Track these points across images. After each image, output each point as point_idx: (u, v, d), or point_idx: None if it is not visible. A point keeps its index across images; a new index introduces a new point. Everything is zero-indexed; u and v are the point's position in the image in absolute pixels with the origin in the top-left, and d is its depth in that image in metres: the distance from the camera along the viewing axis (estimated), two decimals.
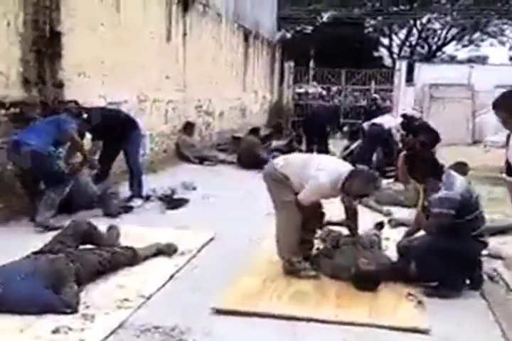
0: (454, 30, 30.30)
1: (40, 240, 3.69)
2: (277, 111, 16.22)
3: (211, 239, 4.51)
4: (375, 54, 33.00)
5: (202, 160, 9.09)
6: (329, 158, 4.09)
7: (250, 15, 13.36)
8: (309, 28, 32.54)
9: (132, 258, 3.68)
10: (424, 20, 29.60)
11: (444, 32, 30.76)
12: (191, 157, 9.03)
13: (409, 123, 7.65)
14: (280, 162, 3.74)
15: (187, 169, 8.43)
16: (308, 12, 29.31)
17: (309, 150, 8.76)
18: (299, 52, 26.62)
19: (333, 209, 4.18)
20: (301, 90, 18.45)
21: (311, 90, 18.76)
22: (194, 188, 6.67)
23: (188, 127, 9.17)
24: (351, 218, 3.83)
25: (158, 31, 8.10)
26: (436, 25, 30.17)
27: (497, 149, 9.22)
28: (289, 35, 33.07)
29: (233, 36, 11.90)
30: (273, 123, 15.09)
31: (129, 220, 5.11)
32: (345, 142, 9.68)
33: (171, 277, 3.59)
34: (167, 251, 3.94)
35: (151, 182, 6.46)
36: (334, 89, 18.35)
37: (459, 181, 3.44)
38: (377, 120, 7.90)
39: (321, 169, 3.49)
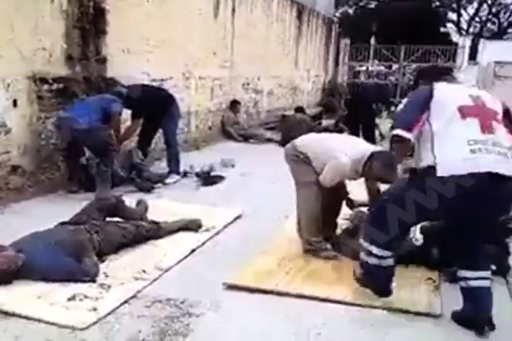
0: None
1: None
2: (331, 89, 15.94)
3: (238, 217, 4.55)
4: (442, 30, 31.59)
5: (246, 138, 9.12)
6: (351, 138, 3.99)
7: None
8: (373, 3, 31.58)
9: (156, 232, 3.78)
10: None
11: None
12: (236, 135, 9.08)
13: None
14: (301, 141, 3.70)
15: (231, 147, 8.49)
16: None
17: (354, 133, 8.56)
18: (361, 28, 25.95)
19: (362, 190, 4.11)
20: (362, 68, 17.99)
21: (371, 68, 18.27)
22: (233, 165, 6.72)
23: (234, 105, 9.20)
24: (374, 199, 3.75)
25: (205, 7, 8.10)
26: (508, 0, 28.44)
27: None
28: (350, 11, 32.37)
29: (285, 12, 11.72)
30: (324, 102, 14.93)
31: (163, 195, 5.25)
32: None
33: (192, 252, 3.66)
34: (192, 226, 4.01)
35: (193, 159, 6.58)
36: (396, 66, 17.78)
37: None
38: None
39: (342, 149, 3.42)
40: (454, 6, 30.71)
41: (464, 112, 2.61)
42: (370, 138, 8.43)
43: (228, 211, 4.64)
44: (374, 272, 2.91)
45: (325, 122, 11.92)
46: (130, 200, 4.23)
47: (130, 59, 6.32)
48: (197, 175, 6.04)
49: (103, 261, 3.35)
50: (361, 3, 31.88)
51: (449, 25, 32.19)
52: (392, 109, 9.14)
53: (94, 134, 4.82)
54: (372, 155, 3.36)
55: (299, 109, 9.61)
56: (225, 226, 4.25)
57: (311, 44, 14.00)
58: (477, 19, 31.35)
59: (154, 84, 6.72)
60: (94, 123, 4.82)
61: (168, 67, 7.18)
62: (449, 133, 2.59)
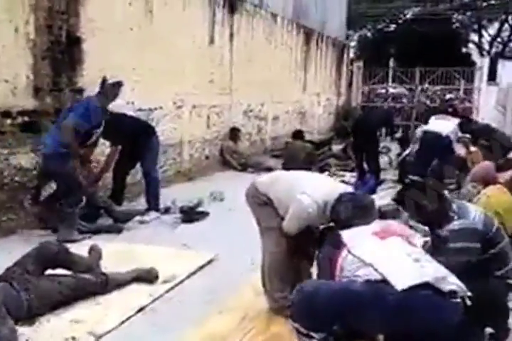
0: None
1: None
2: (344, 113, 15.48)
3: (210, 261, 4.08)
4: (464, 51, 30.92)
5: (246, 167, 8.68)
6: (321, 177, 3.50)
7: (313, 13, 12.79)
8: (392, 26, 31.23)
9: (103, 285, 3.32)
10: None
11: None
12: (235, 163, 8.66)
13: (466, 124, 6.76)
14: (262, 181, 3.23)
15: (227, 177, 8.06)
16: (389, 9, 28.06)
17: (358, 162, 8.04)
18: (379, 51, 25.58)
19: None
20: (382, 90, 17.48)
21: (392, 90, 17.76)
22: (222, 199, 6.27)
23: (234, 133, 8.80)
24: None
25: (199, 34, 7.80)
26: None
27: None
28: (369, 34, 32.09)
29: (291, 37, 11.39)
30: (336, 126, 14.47)
31: (136, 235, 4.82)
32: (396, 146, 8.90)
33: (140, 310, 3.19)
34: (147, 277, 3.55)
35: (183, 191, 6.17)
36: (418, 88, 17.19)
37: (473, 209, 2.76)
38: (431, 126, 7.02)
39: (307, 191, 2.93)
40: (476, 26, 30.11)
41: None
42: (374, 167, 7.91)
43: (199, 255, 4.18)
44: None
45: (335, 147, 11.47)
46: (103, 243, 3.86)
47: None
48: (181, 210, 5.61)
49: (32, 324, 2.91)
50: (380, 26, 31.56)
51: (471, 46, 31.55)
52: (398, 135, 8.58)
53: (54, 162, 4.42)
54: (340, 197, 2.85)
55: (297, 134, 9.07)
56: (189, 276, 3.77)
57: (321, 68, 13.63)
58: (499, 40, 30.63)
59: (141, 113, 6.39)
60: (53, 145, 4.42)
61: (156, 96, 6.84)
62: None
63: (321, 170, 8.62)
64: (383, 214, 5.86)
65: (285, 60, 11.14)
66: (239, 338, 2.85)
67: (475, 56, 30.49)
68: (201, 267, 3.97)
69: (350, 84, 16.46)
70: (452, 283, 2.19)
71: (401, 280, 2.14)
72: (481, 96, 15.10)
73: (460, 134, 6.93)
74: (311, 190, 2.95)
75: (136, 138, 5.39)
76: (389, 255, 2.29)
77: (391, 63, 20.30)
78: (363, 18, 26.26)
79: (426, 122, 7.72)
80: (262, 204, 3.13)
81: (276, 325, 3.00)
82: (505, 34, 29.98)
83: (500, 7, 25.90)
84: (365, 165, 7.94)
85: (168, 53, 6.97)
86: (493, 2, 26.38)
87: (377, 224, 2.61)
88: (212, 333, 2.88)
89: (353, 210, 2.75)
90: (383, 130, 11.47)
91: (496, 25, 29.61)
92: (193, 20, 7.59)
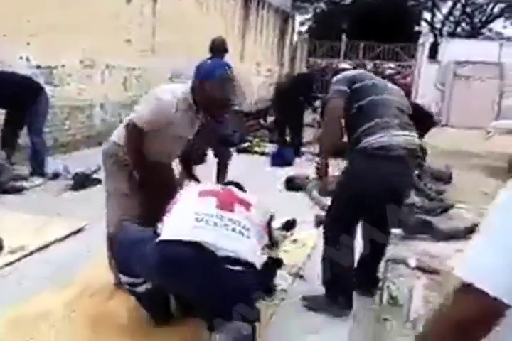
0: (500, 5, 28.03)
1: None
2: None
3: (77, 231, 3.75)
4: (416, 29, 30.99)
5: None
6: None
7: None
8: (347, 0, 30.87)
9: None
10: None
11: (490, 7, 28.53)
12: None
13: None
14: None
15: None
16: None
17: (280, 136, 7.79)
18: (334, 24, 25.25)
19: None
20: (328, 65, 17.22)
21: (341, 65, 17.53)
22: None
23: None
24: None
25: None
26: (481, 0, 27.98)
27: (500, 136, 8.05)
28: (323, 7, 31.62)
29: (227, 1, 10.90)
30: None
31: (7, 201, 4.42)
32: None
33: None
34: None
35: (90, 157, 5.76)
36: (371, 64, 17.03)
37: None
38: None
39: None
40: (429, 5, 30.13)
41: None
42: (296, 140, 7.68)
43: (66, 224, 3.83)
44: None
45: (270, 119, 11.19)
46: None
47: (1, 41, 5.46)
48: (73, 177, 5.22)
49: None
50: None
51: (424, 24, 31.66)
52: (316, 103, 8.21)
53: None
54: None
55: None
56: (43, 247, 3.43)
57: (262, 37, 13.22)
58: (452, 19, 30.82)
59: (38, 72, 5.89)
60: None
61: (59, 53, 6.32)
62: None
63: (244, 141, 8.36)
64: (290, 181, 5.71)
65: (219, 26, 10.65)
66: (63, 315, 2.55)
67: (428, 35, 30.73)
68: (64, 237, 3.63)
69: (294, 56, 16.14)
70: (231, 251, 2.15)
71: (167, 233, 2.19)
72: (422, 73, 15.08)
73: None
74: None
75: (20, 98, 4.92)
76: (182, 209, 2.34)
77: (344, 37, 20.07)
78: None
79: None
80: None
81: (116, 300, 2.73)
82: (457, 14, 30.17)
83: None
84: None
85: (74, 8, 6.42)
86: None
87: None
88: (25, 315, 2.55)
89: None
90: None
91: (449, 3, 29.72)
92: None
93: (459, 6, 29.66)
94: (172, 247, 2.14)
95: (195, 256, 2.11)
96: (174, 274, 2.11)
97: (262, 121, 11.48)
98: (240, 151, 7.92)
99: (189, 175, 3.23)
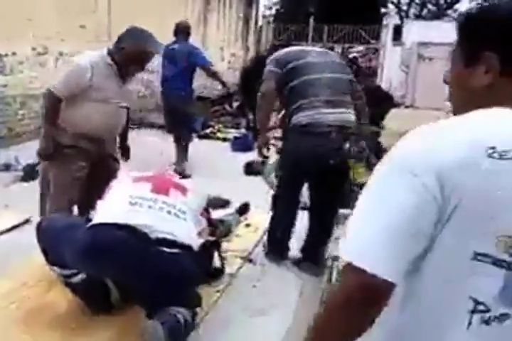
0: None
1: None
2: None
3: (23, 223, 3.66)
4: (383, 11, 31.01)
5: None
6: None
7: None
8: None
9: None
10: None
11: None
12: None
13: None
14: None
15: None
16: None
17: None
18: (301, 7, 25.06)
19: None
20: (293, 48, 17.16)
21: (308, 48, 17.44)
22: None
23: None
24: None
25: None
26: None
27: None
28: None
29: None
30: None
31: None
32: None
33: None
34: None
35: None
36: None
37: None
38: None
39: None
40: None
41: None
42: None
43: (14, 216, 3.74)
44: None
45: (235, 104, 11.07)
46: None
47: None
48: (23, 168, 5.09)
49: None
50: None
51: (390, 6, 31.70)
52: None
53: None
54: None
55: None
56: None
57: (225, 21, 13.04)
58: (417, 0, 30.92)
59: None
60: None
61: (8, 40, 6.12)
62: None
63: (206, 127, 8.29)
64: (248, 166, 5.71)
65: (178, 10, 10.46)
66: (2, 307, 2.49)
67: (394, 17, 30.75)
68: (10, 229, 3.55)
69: (259, 40, 16.00)
70: (167, 232, 2.14)
71: (100, 217, 2.17)
72: (387, 55, 15.13)
73: None
74: None
75: None
76: (115, 194, 2.32)
77: (311, 21, 19.96)
78: None
79: None
80: None
81: (55, 291, 2.66)
82: None
83: None
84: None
85: None
86: None
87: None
88: None
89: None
90: None
91: None
92: None
93: None
94: (102, 230, 2.09)
95: (125, 238, 2.06)
96: (104, 258, 2.06)
97: (227, 107, 11.38)
98: (202, 137, 7.86)
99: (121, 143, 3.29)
